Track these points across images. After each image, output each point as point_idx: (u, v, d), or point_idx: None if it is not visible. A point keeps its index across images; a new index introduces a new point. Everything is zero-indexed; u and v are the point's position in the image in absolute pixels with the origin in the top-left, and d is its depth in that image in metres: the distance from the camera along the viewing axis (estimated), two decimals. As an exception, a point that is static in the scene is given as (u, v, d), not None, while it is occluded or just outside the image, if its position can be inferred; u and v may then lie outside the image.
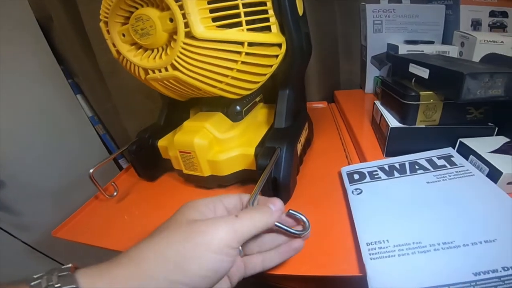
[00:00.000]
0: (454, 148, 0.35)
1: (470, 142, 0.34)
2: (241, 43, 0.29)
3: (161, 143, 0.41)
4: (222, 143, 0.36)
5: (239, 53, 0.29)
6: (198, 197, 0.23)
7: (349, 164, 0.39)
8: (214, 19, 0.27)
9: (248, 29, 0.29)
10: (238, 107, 0.39)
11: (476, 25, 0.52)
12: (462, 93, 0.30)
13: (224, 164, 0.35)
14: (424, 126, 0.35)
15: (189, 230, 0.19)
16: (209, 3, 0.27)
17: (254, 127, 0.40)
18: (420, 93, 0.34)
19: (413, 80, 0.39)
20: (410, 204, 0.29)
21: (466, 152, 0.34)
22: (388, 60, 0.56)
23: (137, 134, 0.42)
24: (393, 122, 0.37)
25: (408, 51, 0.50)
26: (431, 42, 0.53)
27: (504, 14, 0.51)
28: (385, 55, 0.57)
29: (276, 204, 0.23)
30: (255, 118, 0.42)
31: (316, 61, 0.64)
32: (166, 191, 0.42)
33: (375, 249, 0.24)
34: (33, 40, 0.68)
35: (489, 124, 0.35)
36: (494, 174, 0.29)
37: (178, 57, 0.28)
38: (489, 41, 0.44)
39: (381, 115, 0.40)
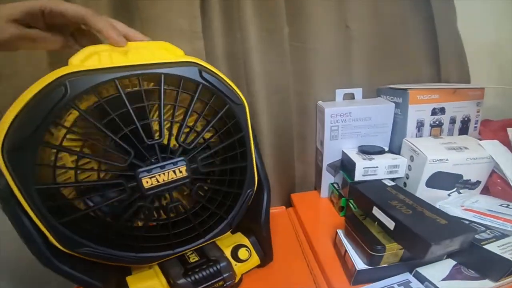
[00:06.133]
0: (411, 273, 0.41)
1: (425, 270, 0.40)
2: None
3: None
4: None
5: None
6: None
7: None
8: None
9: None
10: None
11: (420, 126, 0.58)
12: (426, 256, 0.36)
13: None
14: (387, 265, 0.40)
15: None
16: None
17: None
18: (386, 246, 0.39)
19: (376, 223, 0.43)
20: None
21: (422, 278, 0.40)
22: (346, 176, 0.58)
23: None
24: (359, 263, 0.41)
25: (364, 169, 0.54)
26: (382, 152, 0.57)
27: (443, 111, 0.58)
28: (339, 162, 0.61)
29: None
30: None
31: (273, 163, 0.65)
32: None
33: None
34: None
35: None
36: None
37: None
38: (437, 160, 0.49)
39: (346, 250, 0.44)
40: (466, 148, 0.51)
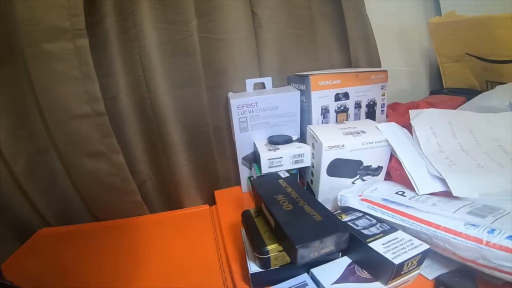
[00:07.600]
0: (308, 274, 0.39)
1: (319, 271, 0.38)
2: None
3: None
4: None
5: None
6: None
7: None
8: None
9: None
10: None
11: (325, 112, 0.58)
12: (297, 260, 0.34)
13: None
14: (278, 267, 0.39)
15: None
16: None
17: None
18: (268, 248, 0.37)
19: (264, 221, 0.42)
20: None
21: (316, 281, 0.38)
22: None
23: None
24: (253, 266, 0.39)
25: (269, 160, 0.53)
26: (290, 141, 0.56)
27: (346, 96, 0.58)
28: (253, 155, 0.59)
29: None
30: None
31: (190, 162, 0.62)
32: None
33: None
34: None
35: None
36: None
37: None
38: (333, 146, 0.49)
39: (246, 251, 0.42)
40: (363, 132, 0.51)
